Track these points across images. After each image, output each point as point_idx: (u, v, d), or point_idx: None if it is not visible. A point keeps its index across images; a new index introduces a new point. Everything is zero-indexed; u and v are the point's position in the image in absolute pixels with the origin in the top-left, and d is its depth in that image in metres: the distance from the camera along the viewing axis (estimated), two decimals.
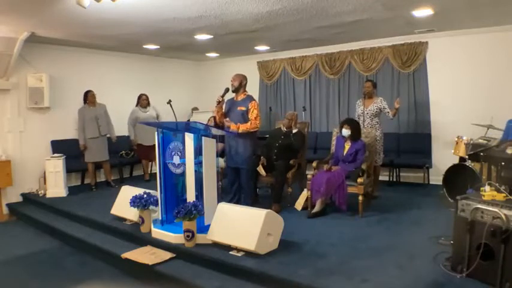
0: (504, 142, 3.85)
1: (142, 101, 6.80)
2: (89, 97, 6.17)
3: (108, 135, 6.40)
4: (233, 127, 4.39)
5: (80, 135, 6.15)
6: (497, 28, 5.52)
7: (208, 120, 5.95)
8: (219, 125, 4.66)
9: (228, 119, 4.49)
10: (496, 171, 3.66)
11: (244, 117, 4.48)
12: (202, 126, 3.85)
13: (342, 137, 4.71)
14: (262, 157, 4.96)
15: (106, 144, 6.35)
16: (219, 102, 4.44)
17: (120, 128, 6.77)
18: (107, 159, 6.40)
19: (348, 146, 4.67)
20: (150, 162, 7.08)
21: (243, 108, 4.48)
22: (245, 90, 4.59)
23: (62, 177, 5.90)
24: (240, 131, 4.36)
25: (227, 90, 4.49)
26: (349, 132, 4.59)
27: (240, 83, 4.55)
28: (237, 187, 4.66)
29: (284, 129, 5.12)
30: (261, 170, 4.86)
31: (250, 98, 4.53)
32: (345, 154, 4.66)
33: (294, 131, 5.07)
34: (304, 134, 5.23)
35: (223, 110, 4.62)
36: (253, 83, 7.29)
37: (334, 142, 5.00)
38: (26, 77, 6.10)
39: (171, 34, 5.78)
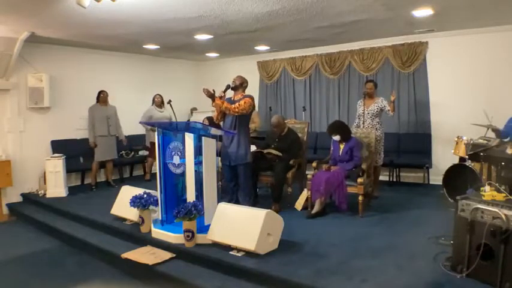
0: (504, 141, 3.86)
1: (157, 100, 6.85)
2: (101, 97, 6.27)
3: (116, 135, 6.45)
4: (217, 100, 4.37)
5: (89, 133, 6.19)
6: (497, 28, 5.52)
7: (203, 121, 5.93)
8: (215, 124, 4.67)
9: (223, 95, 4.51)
10: (496, 171, 3.67)
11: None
12: (202, 126, 3.85)
13: None
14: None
15: (115, 143, 6.44)
16: (220, 98, 4.47)
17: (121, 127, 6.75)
18: (114, 158, 6.48)
19: (342, 145, 4.76)
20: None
21: None
22: (243, 91, 4.62)
23: (62, 177, 5.90)
24: (223, 106, 4.34)
25: (228, 86, 4.54)
26: (339, 138, 4.71)
27: (241, 83, 4.59)
28: (234, 186, 4.66)
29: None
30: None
31: (246, 96, 4.54)
32: (340, 154, 4.73)
33: (284, 132, 5.09)
34: (295, 137, 5.11)
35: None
36: (253, 83, 7.29)
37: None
38: (26, 77, 6.10)
39: (171, 34, 5.78)
